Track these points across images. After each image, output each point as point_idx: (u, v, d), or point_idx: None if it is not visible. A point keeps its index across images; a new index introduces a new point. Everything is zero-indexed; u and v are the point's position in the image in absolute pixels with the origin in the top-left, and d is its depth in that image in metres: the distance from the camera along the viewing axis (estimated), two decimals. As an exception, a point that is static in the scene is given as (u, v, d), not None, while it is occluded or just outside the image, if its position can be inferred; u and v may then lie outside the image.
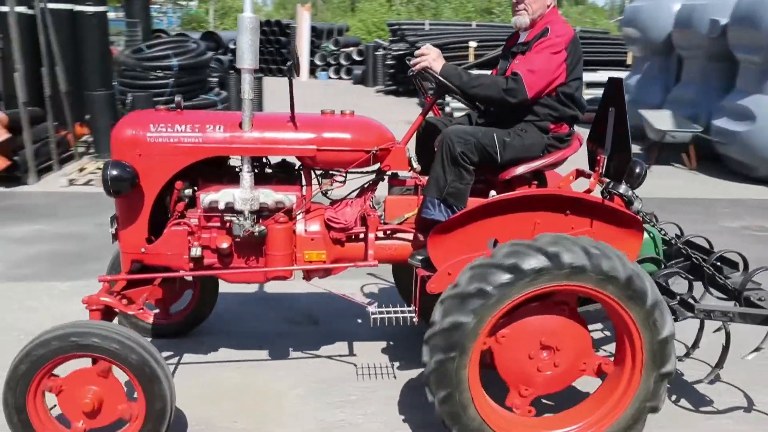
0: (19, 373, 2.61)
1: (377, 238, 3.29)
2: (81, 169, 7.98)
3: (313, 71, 22.82)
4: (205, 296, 3.97)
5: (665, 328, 2.75)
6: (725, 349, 3.23)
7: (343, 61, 23.00)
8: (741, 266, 3.44)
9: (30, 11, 8.34)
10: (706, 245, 3.65)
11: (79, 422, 2.70)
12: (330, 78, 22.96)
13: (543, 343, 2.83)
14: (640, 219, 3.08)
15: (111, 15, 11.05)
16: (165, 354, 3.70)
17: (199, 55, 9.00)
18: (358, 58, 22.57)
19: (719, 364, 3.24)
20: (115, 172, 2.96)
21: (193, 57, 8.88)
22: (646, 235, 3.32)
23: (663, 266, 3.40)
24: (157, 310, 3.94)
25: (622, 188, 3.07)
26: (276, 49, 22.86)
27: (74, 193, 7.35)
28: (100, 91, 8.45)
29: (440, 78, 3.17)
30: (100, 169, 8.02)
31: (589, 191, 3.11)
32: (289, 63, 2.91)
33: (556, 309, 2.85)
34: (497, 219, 2.97)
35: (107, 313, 3.02)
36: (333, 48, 23.31)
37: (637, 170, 3.10)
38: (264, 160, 3.33)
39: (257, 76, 12.36)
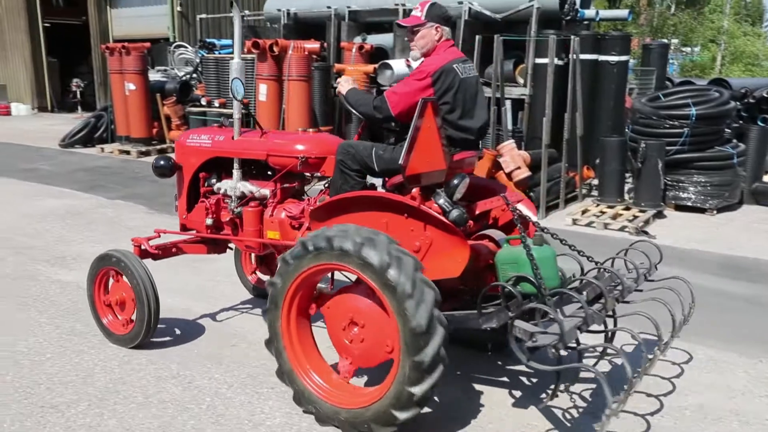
0: (90, 271, 4.37)
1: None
2: (584, 211, 8.32)
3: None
4: None
5: (414, 320, 2.96)
6: (557, 376, 3.20)
7: None
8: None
9: (560, 62, 9.12)
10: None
11: (120, 315, 4.33)
12: None
13: (353, 319, 3.30)
14: (456, 228, 3.29)
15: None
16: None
17: (721, 105, 8.45)
18: None
19: (553, 393, 3.23)
20: (161, 162, 4.53)
21: (714, 107, 8.38)
22: (523, 255, 3.31)
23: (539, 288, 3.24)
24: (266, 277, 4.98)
25: (440, 198, 3.44)
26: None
27: (576, 232, 7.65)
28: (611, 137, 8.69)
29: (344, 99, 3.81)
30: (602, 212, 8.25)
31: (412, 197, 3.38)
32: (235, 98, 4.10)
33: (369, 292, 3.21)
34: (356, 214, 3.44)
35: (144, 252, 4.38)
36: None
37: (455, 181, 3.46)
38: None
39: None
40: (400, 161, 3.32)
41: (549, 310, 2.99)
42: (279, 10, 13.65)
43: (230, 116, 4.48)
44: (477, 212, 3.65)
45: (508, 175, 7.94)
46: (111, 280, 4.37)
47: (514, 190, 4.31)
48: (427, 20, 3.66)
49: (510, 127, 9.54)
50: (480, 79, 3.86)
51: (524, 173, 7.93)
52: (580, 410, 3.66)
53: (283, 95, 10.24)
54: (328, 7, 12.70)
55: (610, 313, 3.55)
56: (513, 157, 7.96)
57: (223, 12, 17.71)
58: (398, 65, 11.20)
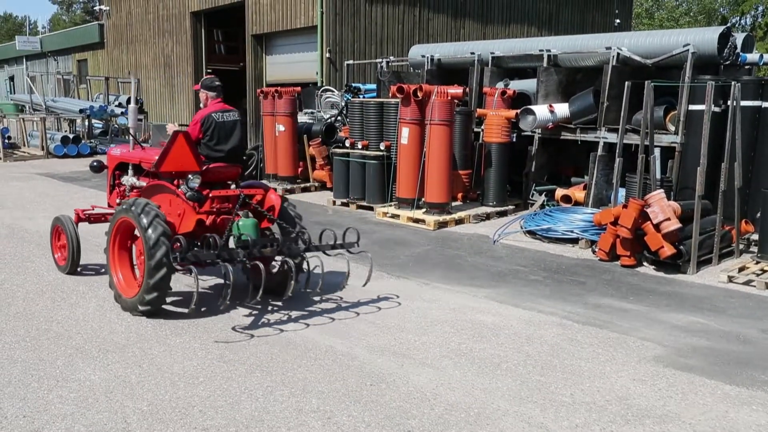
0: (51, 226, 7.22)
1: None
2: (741, 268, 7.70)
3: None
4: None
5: (153, 250, 5.35)
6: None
7: None
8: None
9: (717, 109, 8.62)
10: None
11: (61, 254, 7.09)
12: None
13: (140, 249, 5.62)
14: (190, 204, 5.80)
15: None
16: None
17: None
18: None
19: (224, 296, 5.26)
20: (95, 164, 7.09)
21: None
22: (249, 220, 5.79)
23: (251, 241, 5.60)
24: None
25: (183, 186, 5.85)
26: None
27: (732, 290, 7.11)
28: (775, 190, 8.03)
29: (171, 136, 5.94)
30: (764, 270, 7.60)
31: (175, 185, 6.02)
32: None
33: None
34: (159, 195, 6.01)
35: (78, 218, 6.99)
36: None
37: (189, 176, 5.79)
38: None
39: None
40: (154, 163, 5.88)
41: (182, 241, 5.27)
42: (423, 56, 14.03)
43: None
44: (212, 195, 5.84)
45: (656, 227, 7.55)
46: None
47: (271, 187, 6.34)
48: (201, 87, 6.32)
49: (658, 176, 9.09)
50: (239, 121, 6.17)
51: (674, 225, 7.50)
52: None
53: (425, 139, 10.42)
54: (472, 53, 12.88)
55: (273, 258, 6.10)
56: (662, 208, 7.56)
57: (369, 58, 18.44)
58: (541, 111, 11.11)
